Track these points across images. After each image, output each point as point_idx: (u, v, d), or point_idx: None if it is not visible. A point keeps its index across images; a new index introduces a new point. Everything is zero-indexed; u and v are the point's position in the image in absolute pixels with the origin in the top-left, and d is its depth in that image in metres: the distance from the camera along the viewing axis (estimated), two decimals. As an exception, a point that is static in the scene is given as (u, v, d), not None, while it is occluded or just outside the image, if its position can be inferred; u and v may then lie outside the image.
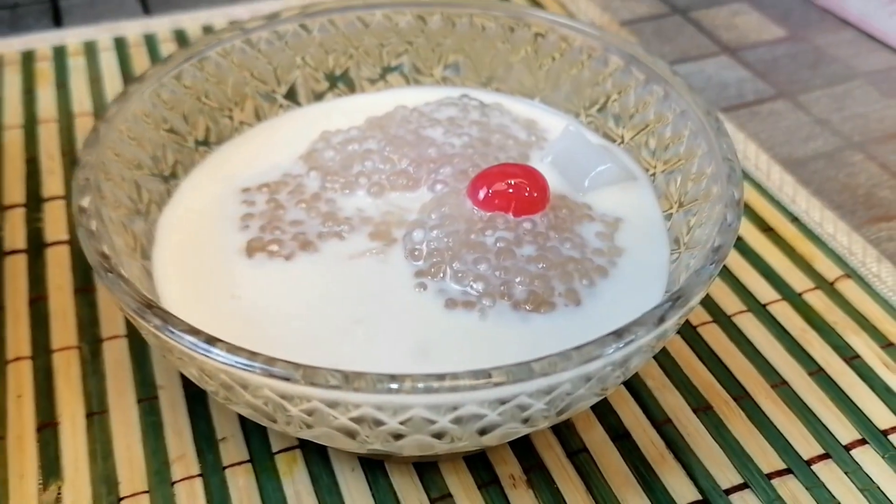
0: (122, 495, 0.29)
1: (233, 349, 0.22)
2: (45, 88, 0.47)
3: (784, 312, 0.35)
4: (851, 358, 0.34)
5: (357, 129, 0.34)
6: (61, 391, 0.32)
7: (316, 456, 0.30)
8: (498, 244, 0.29)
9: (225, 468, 0.29)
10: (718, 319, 0.35)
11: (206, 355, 0.22)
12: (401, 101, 0.37)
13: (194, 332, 0.22)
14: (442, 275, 0.29)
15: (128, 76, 0.48)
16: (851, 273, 0.37)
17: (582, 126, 0.36)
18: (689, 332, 0.34)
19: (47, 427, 0.31)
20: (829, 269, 0.37)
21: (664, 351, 0.34)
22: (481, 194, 0.30)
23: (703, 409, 0.32)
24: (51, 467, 0.29)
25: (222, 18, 0.53)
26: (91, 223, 0.25)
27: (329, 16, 0.36)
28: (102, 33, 0.51)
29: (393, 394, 0.21)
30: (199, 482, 0.29)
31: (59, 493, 0.29)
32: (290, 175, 0.33)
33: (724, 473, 0.30)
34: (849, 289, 0.36)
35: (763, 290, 0.36)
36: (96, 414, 0.31)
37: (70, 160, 0.42)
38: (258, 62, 0.36)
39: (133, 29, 0.51)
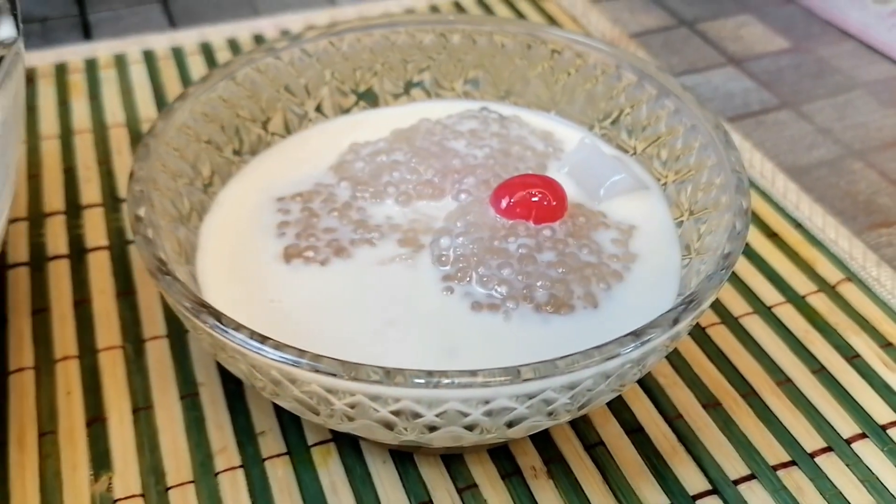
0: (169, 485, 0.31)
1: (282, 347, 0.24)
2: (79, 100, 0.49)
3: (788, 314, 0.37)
4: (852, 357, 0.36)
5: (384, 142, 0.36)
6: (108, 388, 0.34)
7: (349, 449, 0.32)
8: (520, 250, 0.31)
9: (264, 460, 0.31)
10: (726, 321, 0.37)
11: (257, 352, 0.24)
12: (423, 113, 0.38)
13: (247, 330, 0.24)
14: (468, 279, 0.31)
15: (158, 88, 0.50)
16: (852, 276, 0.39)
17: (596, 138, 0.38)
18: (698, 333, 0.36)
19: (96, 422, 0.33)
20: (831, 273, 0.39)
21: (675, 351, 0.35)
22: (504, 203, 0.32)
23: (712, 405, 0.34)
24: (101, 459, 0.31)
25: (246, 32, 0.55)
26: (148, 231, 0.27)
27: (356, 34, 0.38)
28: (131, 46, 0.53)
29: (431, 388, 0.23)
30: (240, 473, 0.31)
31: (109, 484, 0.31)
32: (321, 185, 0.35)
33: (733, 465, 0.32)
34: (850, 292, 0.38)
35: (768, 293, 0.38)
36: (142, 409, 0.33)
37: (105, 170, 0.44)
38: (290, 78, 0.38)
39: (160, 42, 0.53)
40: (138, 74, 0.51)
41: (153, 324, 0.36)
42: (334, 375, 0.24)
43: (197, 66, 0.51)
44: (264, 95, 0.37)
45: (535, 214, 0.32)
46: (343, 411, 0.25)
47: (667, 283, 0.31)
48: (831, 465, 0.32)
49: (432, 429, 0.25)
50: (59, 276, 0.38)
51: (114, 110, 0.48)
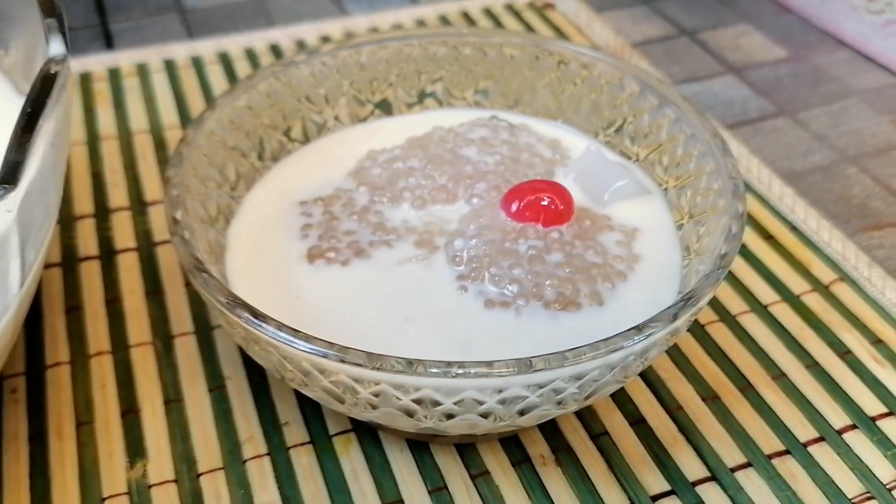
0: (200, 471, 0.32)
1: (312, 339, 0.26)
2: (104, 108, 0.51)
3: (784, 312, 0.39)
4: (844, 353, 0.37)
5: (400, 149, 0.38)
6: (140, 381, 0.36)
7: (368, 438, 0.34)
8: (530, 251, 0.33)
9: (289, 448, 0.33)
10: (724, 318, 0.39)
11: (289, 345, 0.26)
12: (435, 122, 0.40)
13: (279, 324, 0.26)
14: (481, 278, 0.33)
15: (179, 96, 0.52)
16: (845, 277, 0.41)
17: (601, 145, 0.40)
18: (697, 330, 0.38)
19: (130, 413, 0.35)
20: (825, 274, 0.41)
21: (676, 346, 0.37)
22: (514, 207, 0.34)
23: (710, 397, 0.35)
24: (136, 447, 0.33)
25: (262, 42, 0.57)
26: (185, 232, 0.30)
27: (372, 46, 0.40)
28: (152, 56, 0.55)
29: (451, 378, 0.25)
30: (267, 460, 0.33)
31: (144, 470, 0.33)
32: (341, 190, 0.37)
33: (730, 454, 0.33)
34: (842, 291, 0.40)
35: (764, 293, 0.40)
36: (173, 401, 0.35)
37: (131, 175, 0.46)
38: (309, 88, 0.40)
39: (180, 52, 0.55)
40: (160, 83, 0.53)
41: (181, 321, 0.38)
42: (360, 365, 0.26)
43: (216, 75, 0.53)
44: (286, 105, 0.39)
45: (543, 218, 0.34)
46: (367, 400, 0.27)
47: (668, 283, 0.33)
48: (823, 454, 0.33)
49: (450, 416, 0.27)
50: (91, 277, 0.40)
51: (137, 117, 0.50)
